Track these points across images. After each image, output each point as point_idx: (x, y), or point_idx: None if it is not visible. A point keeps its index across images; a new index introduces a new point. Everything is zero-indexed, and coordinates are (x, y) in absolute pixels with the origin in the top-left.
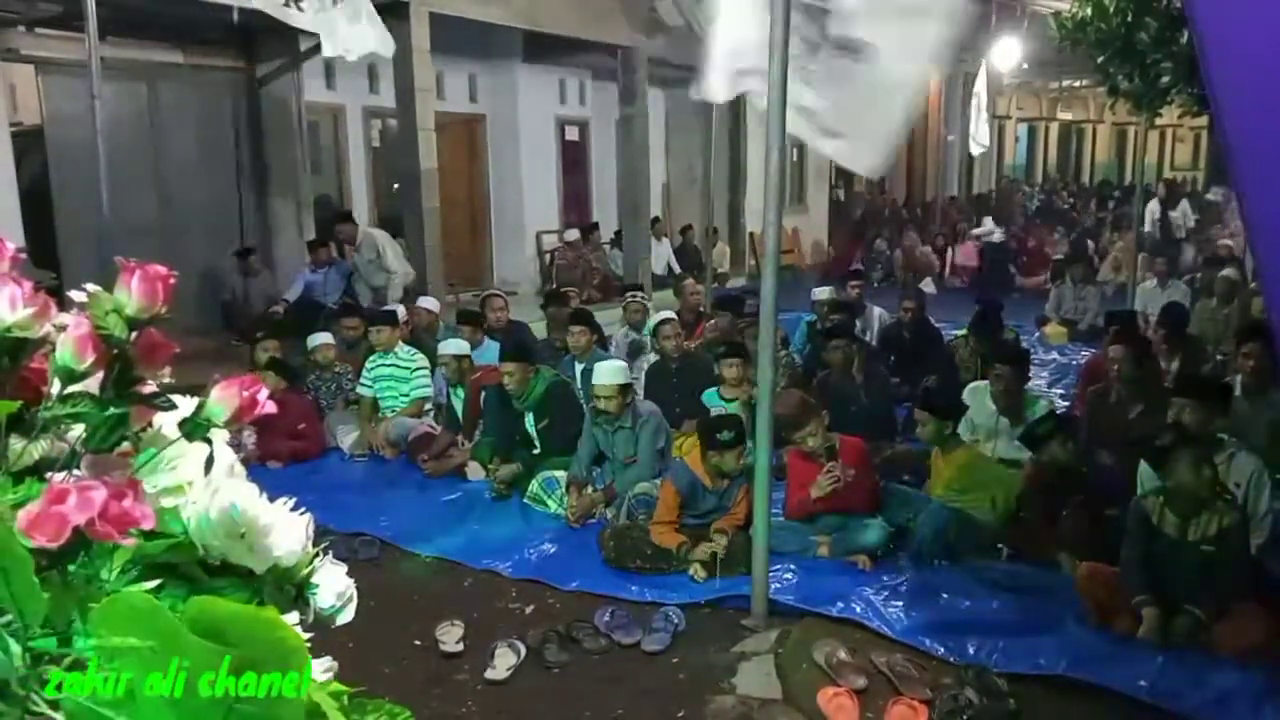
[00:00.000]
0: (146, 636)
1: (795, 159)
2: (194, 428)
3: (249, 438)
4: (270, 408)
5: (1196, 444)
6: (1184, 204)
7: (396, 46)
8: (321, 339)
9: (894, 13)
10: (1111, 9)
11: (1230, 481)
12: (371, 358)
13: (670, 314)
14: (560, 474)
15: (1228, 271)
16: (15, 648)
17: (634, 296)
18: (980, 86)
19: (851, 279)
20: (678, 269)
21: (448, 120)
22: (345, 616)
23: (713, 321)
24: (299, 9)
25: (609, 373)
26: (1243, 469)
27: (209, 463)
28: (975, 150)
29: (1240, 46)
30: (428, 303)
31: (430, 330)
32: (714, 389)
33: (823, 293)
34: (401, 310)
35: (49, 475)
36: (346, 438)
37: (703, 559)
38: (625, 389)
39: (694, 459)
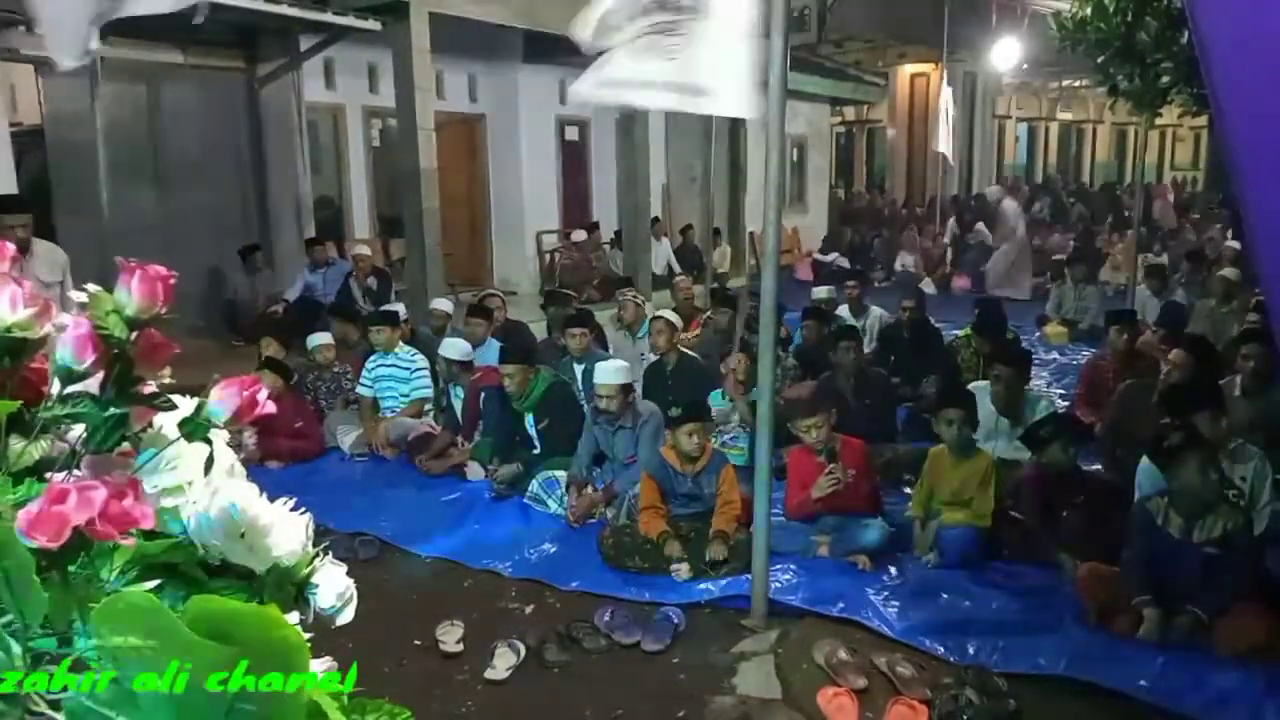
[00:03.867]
0: (146, 636)
1: (795, 159)
2: (194, 428)
3: (249, 438)
4: (270, 408)
5: (1204, 446)
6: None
7: (397, 46)
8: (322, 339)
9: None
10: (1111, 9)
11: (1236, 476)
12: (371, 358)
13: (665, 312)
14: (560, 474)
15: (1227, 271)
16: (15, 648)
17: (631, 296)
18: (945, 94)
19: (848, 280)
20: (678, 269)
21: (448, 120)
22: (345, 616)
23: (707, 315)
24: None
25: (610, 372)
26: (1247, 463)
27: (209, 463)
28: (937, 151)
29: (1241, 46)
30: (442, 304)
31: (441, 333)
32: (718, 390)
33: (821, 292)
34: (402, 310)
35: (49, 475)
36: (346, 438)
37: (679, 554)
38: (626, 388)
39: (667, 448)
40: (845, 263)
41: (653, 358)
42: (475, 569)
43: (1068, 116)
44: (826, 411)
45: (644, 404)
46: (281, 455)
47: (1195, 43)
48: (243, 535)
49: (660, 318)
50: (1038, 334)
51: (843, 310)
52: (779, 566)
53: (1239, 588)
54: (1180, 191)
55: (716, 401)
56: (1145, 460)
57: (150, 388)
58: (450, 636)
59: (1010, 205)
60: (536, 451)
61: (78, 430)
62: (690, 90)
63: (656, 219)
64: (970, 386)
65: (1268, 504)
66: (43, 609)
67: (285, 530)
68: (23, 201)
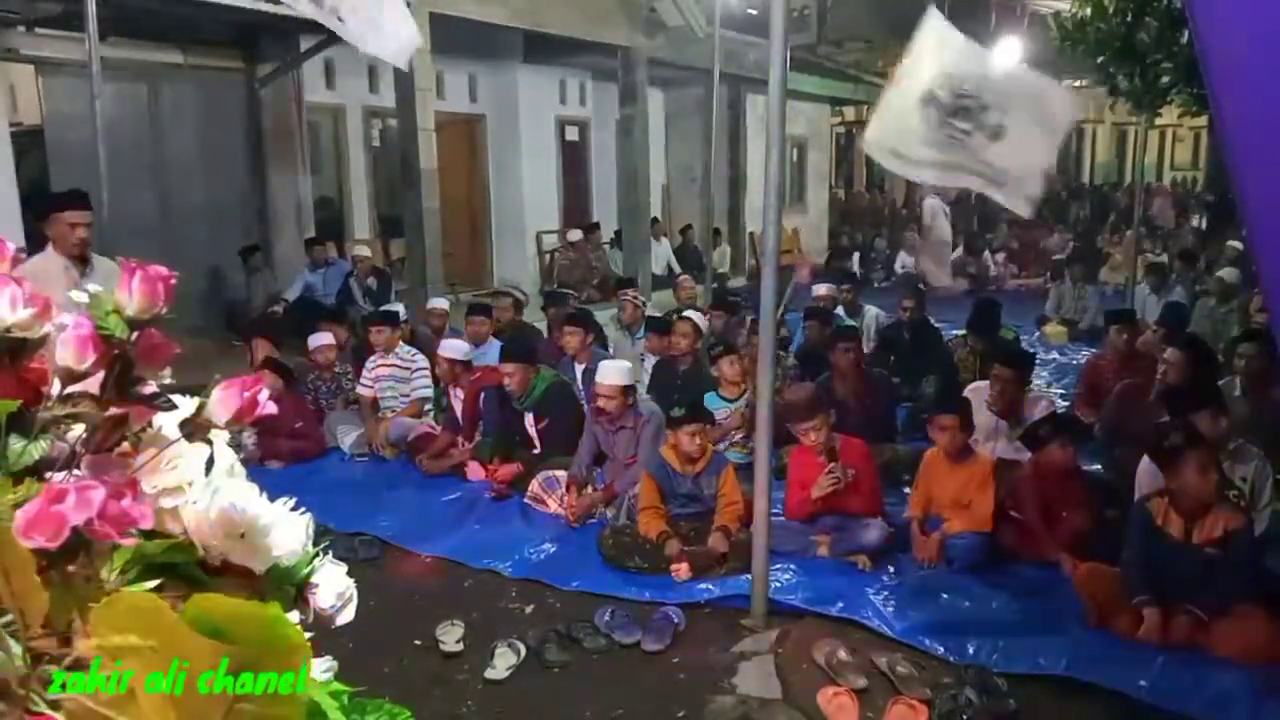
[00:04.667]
0: (146, 636)
1: (795, 159)
2: (194, 428)
3: (249, 438)
4: (271, 408)
5: (1204, 446)
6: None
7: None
8: (323, 339)
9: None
10: (1111, 9)
11: (1236, 476)
12: (371, 358)
13: (692, 313)
14: (560, 474)
15: (1226, 272)
16: (15, 648)
17: (631, 296)
18: None
19: (844, 281)
20: (677, 269)
21: (448, 120)
22: (345, 616)
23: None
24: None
25: (612, 372)
26: (1247, 463)
27: (209, 463)
28: None
29: (1240, 46)
30: (440, 304)
31: (440, 332)
32: (713, 391)
33: (821, 290)
34: (402, 310)
35: (49, 475)
36: (346, 438)
37: (678, 553)
38: (627, 390)
39: (667, 448)
40: (856, 264)
41: (652, 358)
42: (475, 569)
43: None
44: (825, 413)
45: (645, 404)
46: (282, 455)
47: (1195, 42)
48: (243, 535)
49: (688, 319)
50: (1038, 334)
51: (838, 311)
52: (779, 566)
53: (1239, 588)
54: (1179, 191)
55: (713, 403)
56: (1145, 460)
57: (150, 388)
58: (450, 636)
59: (929, 203)
60: (536, 451)
61: (78, 430)
62: (992, 177)
63: (656, 219)
64: (970, 387)
65: (1268, 504)
66: (43, 609)
67: (285, 530)
68: (84, 197)
